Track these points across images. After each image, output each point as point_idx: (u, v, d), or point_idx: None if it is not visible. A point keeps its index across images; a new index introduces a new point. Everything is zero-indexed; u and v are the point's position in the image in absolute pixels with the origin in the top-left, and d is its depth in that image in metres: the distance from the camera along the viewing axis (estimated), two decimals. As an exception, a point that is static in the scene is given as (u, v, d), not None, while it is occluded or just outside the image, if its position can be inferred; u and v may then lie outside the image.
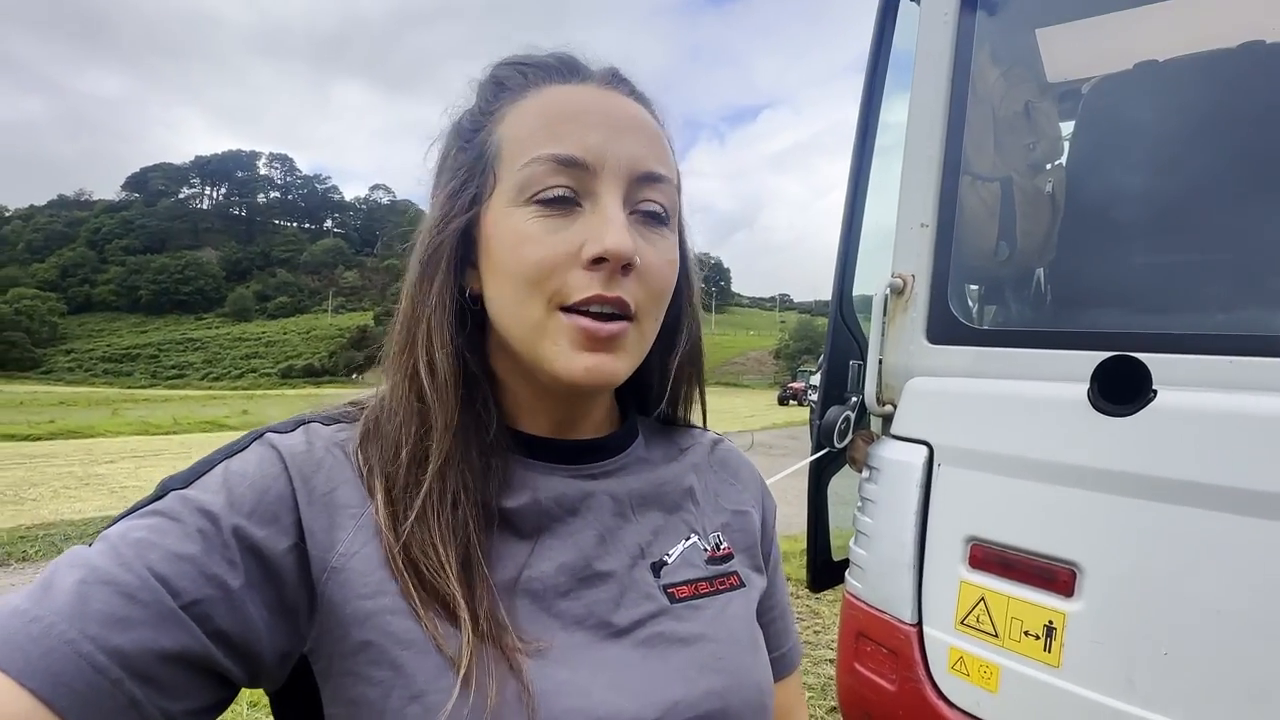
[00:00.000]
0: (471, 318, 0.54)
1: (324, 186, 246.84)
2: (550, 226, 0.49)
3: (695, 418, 0.68)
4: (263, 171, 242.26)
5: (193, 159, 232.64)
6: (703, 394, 0.67)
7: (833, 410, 1.49)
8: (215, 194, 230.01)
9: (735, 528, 0.63)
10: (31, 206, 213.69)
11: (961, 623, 1.20)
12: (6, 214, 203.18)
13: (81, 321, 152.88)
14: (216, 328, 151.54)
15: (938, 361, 1.40)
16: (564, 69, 0.55)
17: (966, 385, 1.30)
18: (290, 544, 0.46)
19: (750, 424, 20.62)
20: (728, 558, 0.60)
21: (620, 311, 0.50)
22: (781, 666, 0.67)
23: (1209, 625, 0.98)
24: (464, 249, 0.53)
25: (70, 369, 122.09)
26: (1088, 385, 1.09)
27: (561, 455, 0.56)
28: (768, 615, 0.65)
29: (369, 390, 0.57)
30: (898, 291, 1.47)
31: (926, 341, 1.42)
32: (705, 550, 0.59)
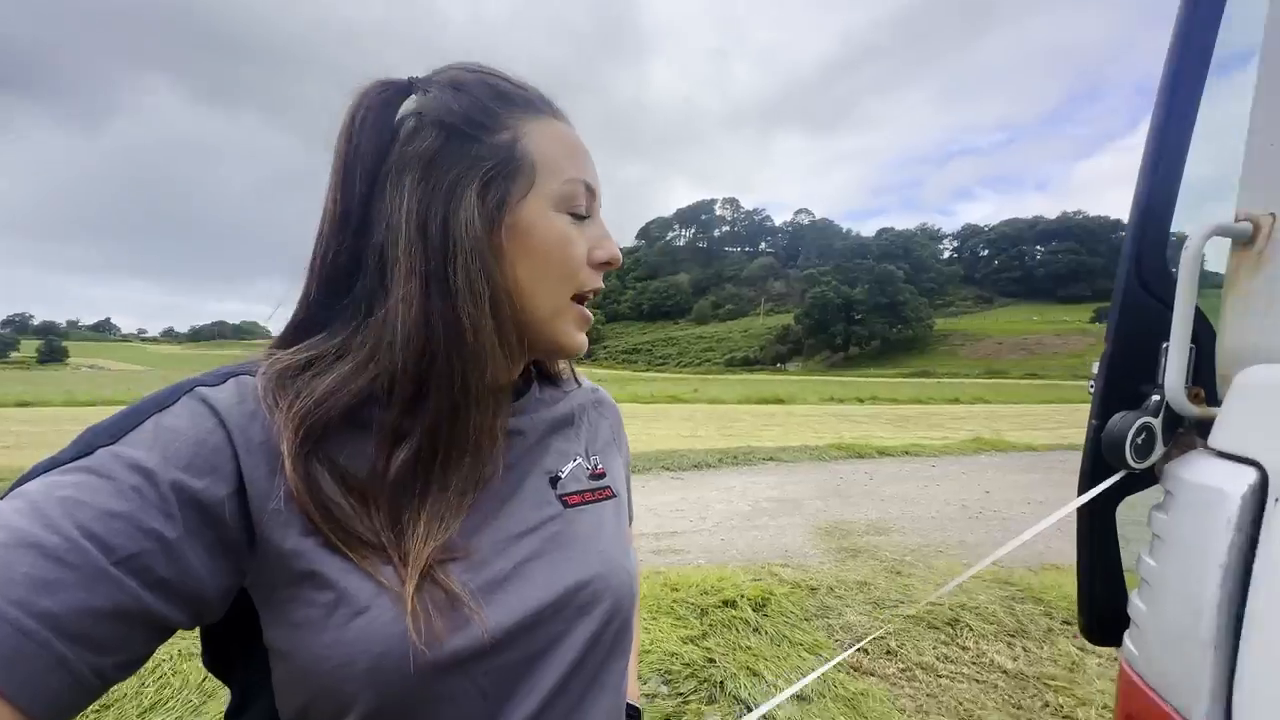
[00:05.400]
0: None
1: (760, 217, 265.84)
2: (578, 233, 0.56)
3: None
4: (718, 212, 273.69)
5: (674, 211, 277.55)
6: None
7: (1120, 419, 0.91)
8: (687, 233, 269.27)
9: (608, 453, 0.69)
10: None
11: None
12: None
13: (611, 328, 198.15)
14: (684, 329, 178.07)
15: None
16: (549, 104, 0.58)
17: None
18: (230, 490, 0.43)
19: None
20: (603, 475, 0.65)
21: None
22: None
23: None
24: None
25: (604, 358, 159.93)
26: None
27: None
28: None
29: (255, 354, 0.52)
30: (1244, 240, 0.83)
31: (1297, 309, 0.77)
32: (588, 469, 0.64)
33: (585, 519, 0.60)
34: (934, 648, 2.98)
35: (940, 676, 2.73)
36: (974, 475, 8.04)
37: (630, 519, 0.76)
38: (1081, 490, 1.00)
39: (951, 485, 7.31)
